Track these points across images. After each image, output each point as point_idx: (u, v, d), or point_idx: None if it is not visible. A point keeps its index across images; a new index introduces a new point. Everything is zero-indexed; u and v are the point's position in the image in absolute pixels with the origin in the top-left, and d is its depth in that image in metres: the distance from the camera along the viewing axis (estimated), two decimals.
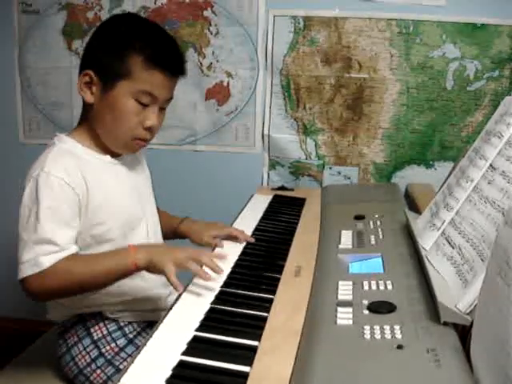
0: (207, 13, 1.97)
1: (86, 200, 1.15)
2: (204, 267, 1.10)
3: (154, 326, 0.94)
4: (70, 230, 1.12)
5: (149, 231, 1.31)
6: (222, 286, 1.08)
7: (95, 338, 1.22)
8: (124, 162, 1.28)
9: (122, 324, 1.25)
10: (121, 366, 1.18)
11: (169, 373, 0.79)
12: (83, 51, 1.25)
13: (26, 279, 1.07)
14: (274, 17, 1.92)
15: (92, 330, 1.23)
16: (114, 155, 1.26)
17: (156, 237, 1.35)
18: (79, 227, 1.15)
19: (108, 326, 1.24)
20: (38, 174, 1.11)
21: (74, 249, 1.11)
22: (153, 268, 1.09)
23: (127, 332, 1.25)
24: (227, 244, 1.33)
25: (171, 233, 1.46)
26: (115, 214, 1.21)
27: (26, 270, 1.06)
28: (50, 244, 1.07)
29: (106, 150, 1.24)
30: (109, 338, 1.23)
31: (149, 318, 1.28)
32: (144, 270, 1.10)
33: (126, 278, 1.13)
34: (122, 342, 1.23)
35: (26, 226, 1.09)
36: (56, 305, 1.24)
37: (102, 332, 1.23)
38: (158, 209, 1.40)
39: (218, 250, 1.28)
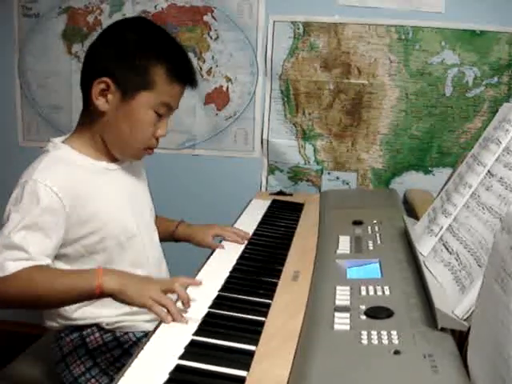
0: (207, 18, 1.97)
1: (76, 210, 1.13)
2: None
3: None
4: (46, 240, 1.08)
5: (146, 241, 1.29)
6: (219, 291, 1.08)
7: (90, 347, 1.20)
8: (122, 168, 1.27)
9: (117, 334, 1.23)
10: (115, 376, 1.16)
11: (166, 377, 0.79)
12: (91, 56, 1.21)
13: None
14: (274, 22, 1.93)
15: (87, 339, 1.20)
16: (111, 161, 1.24)
17: (153, 246, 1.33)
18: (61, 238, 1.12)
19: (104, 336, 1.21)
20: (25, 181, 1.09)
21: (44, 261, 1.07)
22: (124, 298, 1.01)
23: (123, 342, 1.23)
24: (227, 245, 1.34)
25: (167, 237, 1.45)
26: (108, 224, 1.19)
27: None
28: (20, 251, 1.04)
29: (102, 155, 1.22)
30: (104, 348, 1.21)
31: (146, 328, 1.24)
32: (110, 297, 1.02)
33: None
34: (117, 352, 1.21)
35: (3, 228, 1.07)
36: (52, 315, 1.21)
37: (97, 342, 1.21)
38: (155, 216, 1.40)
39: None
